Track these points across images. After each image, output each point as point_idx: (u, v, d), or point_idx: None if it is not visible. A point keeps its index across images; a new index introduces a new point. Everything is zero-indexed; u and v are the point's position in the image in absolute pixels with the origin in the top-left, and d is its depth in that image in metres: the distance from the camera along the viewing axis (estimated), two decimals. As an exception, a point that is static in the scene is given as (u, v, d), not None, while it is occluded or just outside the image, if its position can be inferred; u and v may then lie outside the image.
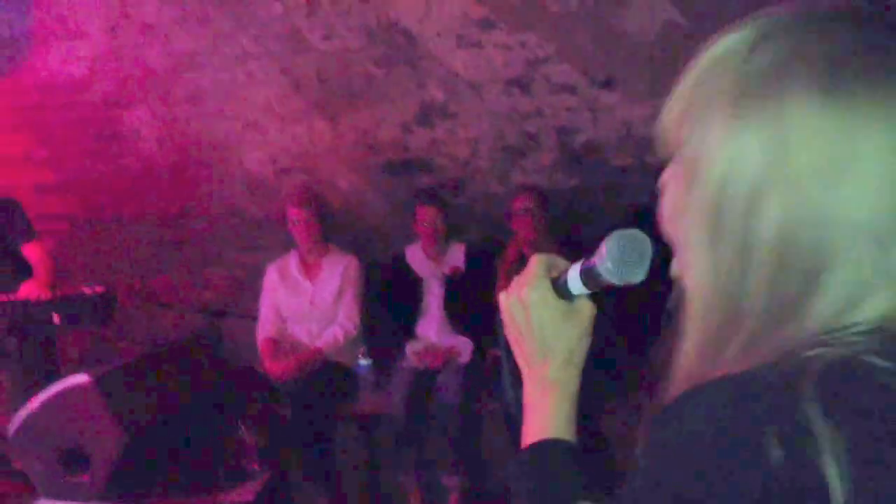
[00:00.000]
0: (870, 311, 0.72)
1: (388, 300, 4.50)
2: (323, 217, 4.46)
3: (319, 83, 4.73)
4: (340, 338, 4.32)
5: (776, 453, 0.66)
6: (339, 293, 4.41)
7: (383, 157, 4.78)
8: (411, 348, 4.33)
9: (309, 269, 4.49)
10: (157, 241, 4.97)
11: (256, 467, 3.44)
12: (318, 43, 4.71)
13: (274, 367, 4.20)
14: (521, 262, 4.07)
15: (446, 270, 4.41)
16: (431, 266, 4.45)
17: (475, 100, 4.69)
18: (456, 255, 4.45)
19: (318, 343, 4.32)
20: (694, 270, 0.80)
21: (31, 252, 4.20)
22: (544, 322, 1.04)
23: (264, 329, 4.43)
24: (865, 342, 0.70)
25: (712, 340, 0.77)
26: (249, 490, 3.22)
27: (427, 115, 4.73)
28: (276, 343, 4.38)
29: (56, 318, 3.85)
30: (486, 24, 4.59)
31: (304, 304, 4.43)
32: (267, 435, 3.97)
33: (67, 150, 4.92)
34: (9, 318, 3.76)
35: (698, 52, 0.84)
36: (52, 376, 4.23)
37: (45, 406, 3.20)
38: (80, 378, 3.21)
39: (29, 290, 3.95)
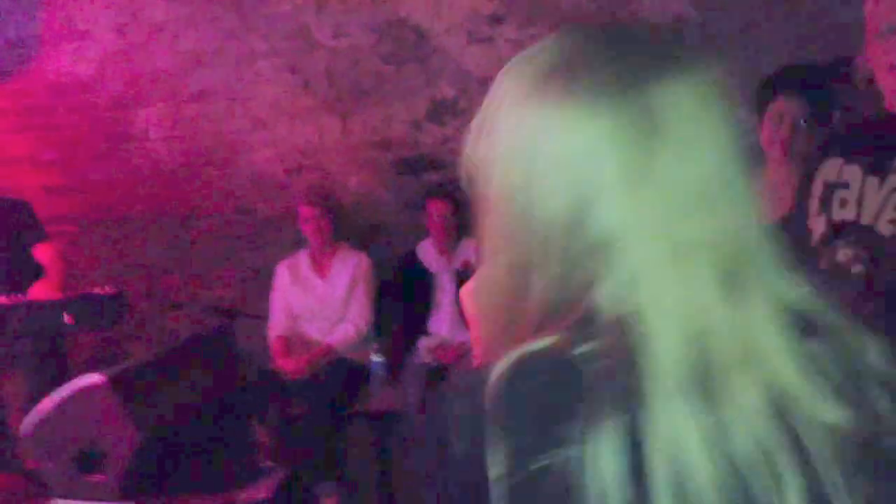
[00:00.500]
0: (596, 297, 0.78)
1: (400, 297, 4.48)
2: (334, 215, 4.45)
3: (329, 81, 4.72)
4: (352, 335, 4.31)
5: (461, 446, 0.74)
6: (350, 290, 4.40)
7: (394, 154, 4.76)
8: (424, 344, 4.32)
9: (320, 267, 4.48)
10: (167, 240, 4.95)
11: (270, 465, 3.43)
12: (327, 41, 4.70)
13: (286, 365, 4.20)
14: None
15: (458, 265, 4.39)
16: (443, 261, 4.44)
17: (486, 96, 4.64)
18: (467, 250, 4.43)
19: (330, 340, 4.31)
20: (488, 276, 0.86)
21: (42, 253, 4.19)
22: None
23: (276, 327, 4.42)
24: (575, 330, 0.76)
25: (499, 332, 0.83)
26: (264, 488, 3.20)
27: (437, 112, 4.71)
28: (287, 341, 4.37)
29: (67, 319, 3.83)
30: (496, 19, 4.58)
31: (316, 302, 4.42)
32: (280, 433, 3.95)
33: (76, 152, 4.90)
34: (20, 320, 3.74)
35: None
36: (63, 377, 4.22)
37: (59, 406, 3.18)
38: (95, 378, 3.19)
39: (39, 291, 3.94)
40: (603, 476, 0.70)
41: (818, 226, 1.77)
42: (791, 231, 1.78)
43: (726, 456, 0.72)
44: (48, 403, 3.24)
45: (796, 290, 0.82)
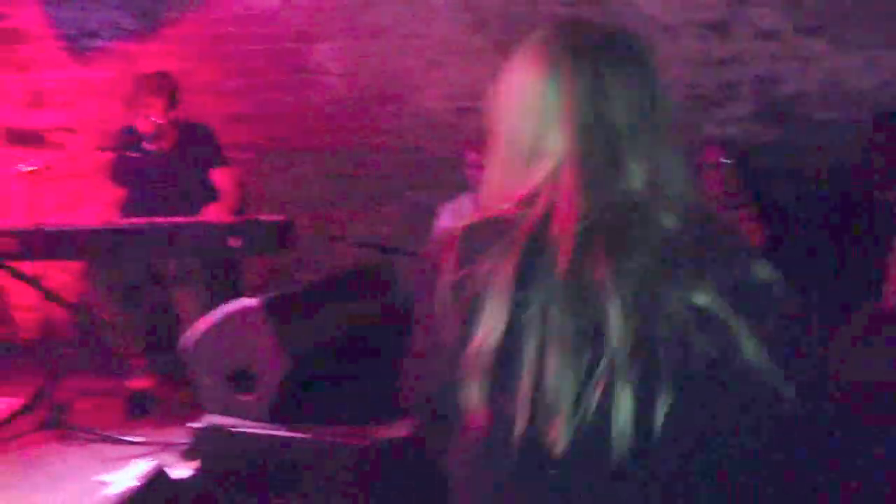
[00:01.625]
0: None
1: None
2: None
3: (504, 21, 4.60)
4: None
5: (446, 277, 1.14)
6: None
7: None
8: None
9: (482, 212, 4.41)
10: (337, 174, 5.02)
11: (414, 405, 3.42)
12: (507, -22, 4.58)
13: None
14: None
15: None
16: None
17: (667, 44, 4.43)
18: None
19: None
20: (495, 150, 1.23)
21: (220, 177, 4.33)
22: None
23: (433, 269, 4.39)
24: (517, 204, 1.15)
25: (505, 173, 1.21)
26: (404, 427, 3.21)
27: (615, 58, 4.50)
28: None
29: (233, 242, 3.95)
30: (686, -38, 4.33)
31: (475, 247, 4.36)
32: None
33: (256, 82, 5.02)
34: (190, 239, 3.89)
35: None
36: (235, 297, 4.38)
37: (215, 325, 3.30)
38: (250, 301, 3.29)
39: (212, 213, 4.08)
40: (499, 281, 1.08)
41: None
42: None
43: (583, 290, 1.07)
44: (206, 322, 3.37)
45: (698, 208, 1.16)
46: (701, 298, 1.05)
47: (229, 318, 3.26)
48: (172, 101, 4.18)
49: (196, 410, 3.40)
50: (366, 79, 4.86)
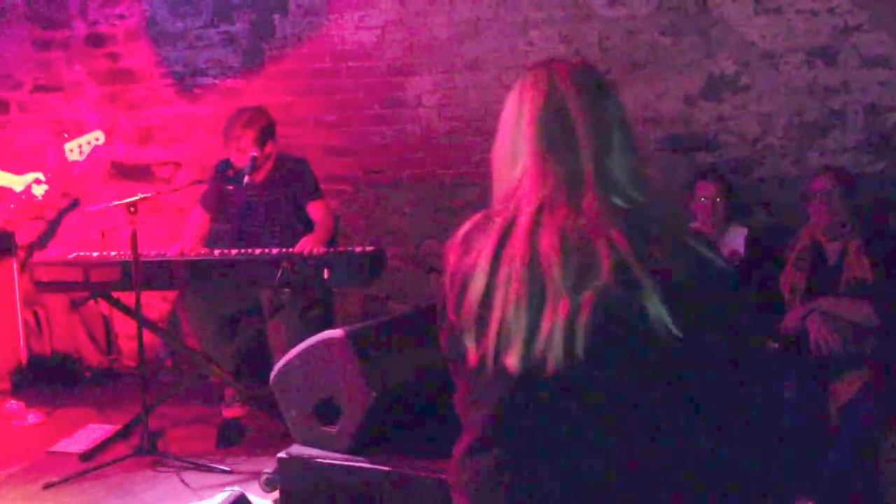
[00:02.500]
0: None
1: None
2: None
3: (601, 52, 4.54)
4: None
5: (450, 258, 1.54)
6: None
7: (663, 131, 4.50)
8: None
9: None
10: (432, 206, 5.02)
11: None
12: (602, 10, 4.53)
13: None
14: (814, 250, 3.66)
15: (724, 254, 4.05)
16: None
17: (771, 72, 4.28)
18: (736, 239, 4.08)
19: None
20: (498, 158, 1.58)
21: (315, 210, 4.38)
22: None
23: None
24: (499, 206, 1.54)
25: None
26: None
27: (715, 87, 4.39)
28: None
29: (326, 274, 3.98)
30: (789, -13, 4.18)
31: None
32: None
33: (354, 115, 5.08)
34: (284, 271, 3.93)
35: None
36: (328, 328, 4.41)
37: (301, 356, 3.30)
38: (336, 332, 3.28)
39: (306, 244, 4.12)
40: (482, 261, 1.46)
41: None
42: None
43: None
44: (293, 353, 3.38)
45: (634, 207, 1.46)
46: (623, 261, 1.38)
47: (314, 349, 3.26)
48: (264, 134, 4.25)
49: (286, 441, 3.41)
50: (461, 111, 4.86)
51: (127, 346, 5.37)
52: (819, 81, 4.22)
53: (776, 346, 3.60)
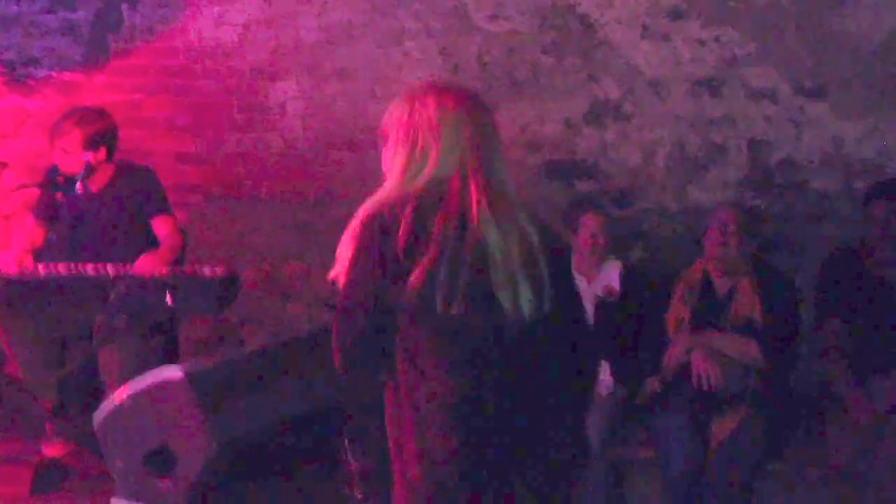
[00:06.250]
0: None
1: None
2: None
3: (481, 68, 4.31)
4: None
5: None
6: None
7: (544, 157, 4.30)
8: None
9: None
10: (293, 224, 4.65)
11: (360, 497, 3.00)
12: (483, 23, 4.30)
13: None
14: (704, 284, 3.57)
15: (600, 290, 3.85)
16: (583, 283, 3.89)
17: (655, 100, 4.14)
18: (611, 274, 3.89)
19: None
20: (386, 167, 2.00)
21: (160, 226, 3.95)
22: None
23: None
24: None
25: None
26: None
27: (598, 113, 4.22)
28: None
29: (169, 299, 3.56)
30: (678, 14, 4.07)
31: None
32: (375, 459, 3.52)
33: (210, 120, 4.66)
34: (118, 293, 3.48)
35: None
36: (169, 359, 3.96)
37: (133, 398, 2.90)
38: (174, 372, 2.89)
39: (145, 264, 3.67)
40: (435, 234, 1.86)
41: None
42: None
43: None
44: (123, 393, 2.96)
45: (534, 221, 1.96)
46: (527, 234, 1.90)
47: (148, 391, 2.85)
48: (97, 136, 3.78)
49: (110, 488, 3.01)
50: (328, 122, 4.52)
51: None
52: (703, 113, 4.10)
53: (658, 380, 3.47)
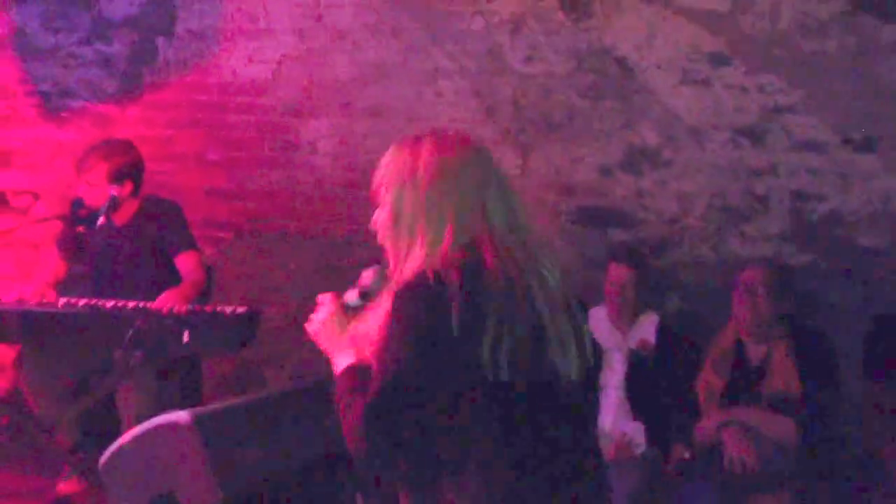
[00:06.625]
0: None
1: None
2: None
3: (515, 110, 4.21)
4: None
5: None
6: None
7: (577, 202, 4.17)
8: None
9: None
10: (320, 263, 4.57)
11: (369, 552, 2.86)
12: (518, 65, 4.20)
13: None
14: (736, 350, 3.39)
15: (633, 344, 3.70)
16: (616, 336, 3.76)
17: (695, 148, 4.00)
18: (647, 327, 3.74)
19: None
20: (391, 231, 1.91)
21: (185, 262, 3.89)
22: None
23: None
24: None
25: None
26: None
27: (634, 159, 4.09)
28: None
29: (186, 336, 3.47)
30: (719, 60, 3.94)
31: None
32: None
33: (240, 156, 4.62)
34: (135, 329, 3.40)
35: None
36: (191, 396, 3.88)
37: (137, 440, 2.78)
38: (180, 416, 2.77)
39: (165, 300, 3.59)
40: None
41: None
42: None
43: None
44: (127, 436, 2.86)
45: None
46: (554, 279, 1.77)
47: (153, 434, 2.74)
48: (123, 171, 3.75)
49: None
50: (359, 160, 4.45)
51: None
52: (744, 162, 3.95)
53: (688, 453, 3.29)
